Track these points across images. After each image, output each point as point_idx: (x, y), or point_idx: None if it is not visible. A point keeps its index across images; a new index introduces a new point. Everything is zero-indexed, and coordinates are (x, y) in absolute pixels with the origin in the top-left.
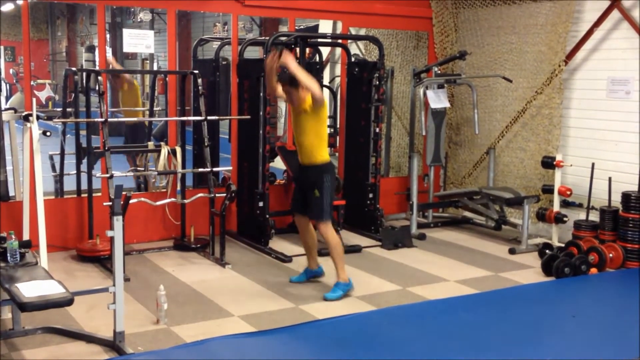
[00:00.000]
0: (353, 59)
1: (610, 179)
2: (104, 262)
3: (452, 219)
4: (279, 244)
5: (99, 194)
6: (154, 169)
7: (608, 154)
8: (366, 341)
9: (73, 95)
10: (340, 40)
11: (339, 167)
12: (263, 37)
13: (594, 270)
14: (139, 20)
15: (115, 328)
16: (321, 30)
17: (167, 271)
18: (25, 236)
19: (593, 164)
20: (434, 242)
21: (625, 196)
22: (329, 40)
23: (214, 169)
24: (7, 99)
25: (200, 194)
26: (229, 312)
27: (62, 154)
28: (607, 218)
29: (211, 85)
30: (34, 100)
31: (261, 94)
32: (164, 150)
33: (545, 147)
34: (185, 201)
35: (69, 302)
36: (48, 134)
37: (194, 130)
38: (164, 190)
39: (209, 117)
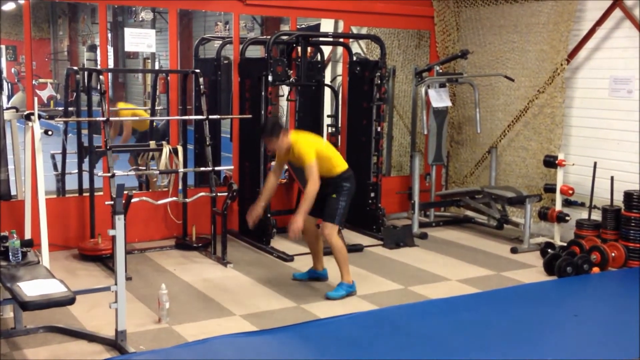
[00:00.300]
0: (355, 58)
1: (612, 178)
2: (106, 261)
3: (454, 218)
4: (280, 243)
5: (101, 193)
6: (155, 168)
7: (610, 153)
8: (368, 341)
9: (75, 94)
10: (341, 39)
11: None
12: (264, 36)
13: (596, 269)
14: (140, 19)
15: (117, 327)
16: (323, 29)
17: (169, 270)
18: (27, 235)
19: (595, 163)
20: (435, 242)
21: (628, 195)
22: (331, 39)
23: (216, 168)
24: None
25: (202, 193)
26: (230, 311)
27: (64, 153)
28: (609, 217)
29: (213, 85)
30: (36, 99)
31: (262, 93)
32: (166, 150)
33: (548, 146)
34: (187, 200)
35: (70, 301)
36: (50, 133)
37: (195, 129)
38: (166, 189)
39: (210, 117)
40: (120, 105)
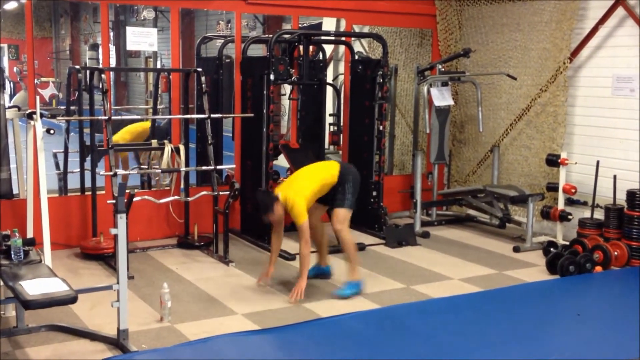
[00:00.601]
0: (357, 57)
1: (615, 176)
2: (108, 259)
3: (456, 217)
4: (283, 242)
5: (103, 192)
6: (157, 166)
7: (613, 152)
8: (370, 339)
9: (77, 93)
10: (343, 38)
11: None
12: (266, 35)
13: (598, 268)
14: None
15: (119, 326)
16: (325, 27)
17: (171, 269)
18: (29, 234)
19: (598, 162)
20: (437, 240)
21: (630, 194)
22: (333, 38)
23: (218, 167)
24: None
25: (204, 192)
26: (232, 310)
27: (66, 152)
28: (612, 216)
29: (214, 83)
30: (38, 98)
31: (264, 92)
32: (168, 148)
33: (550, 145)
34: (189, 199)
35: (72, 299)
36: (52, 131)
37: (197, 128)
38: (168, 188)
39: (212, 115)
40: (117, 137)
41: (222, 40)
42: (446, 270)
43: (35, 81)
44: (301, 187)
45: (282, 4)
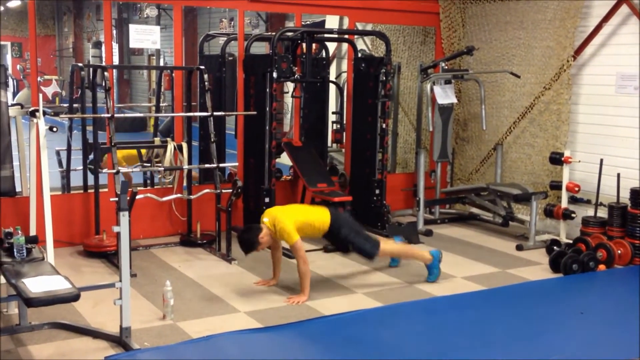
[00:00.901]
0: (360, 55)
1: (618, 175)
2: (111, 257)
3: (459, 215)
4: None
5: (106, 190)
6: (160, 164)
7: (617, 150)
8: (372, 338)
9: (80, 91)
10: (346, 36)
11: (346, 163)
12: (269, 33)
13: (602, 266)
14: (145, 16)
15: (121, 323)
16: (328, 25)
17: (174, 267)
18: (32, 232)
19: (601, 160)
20: (440, 239)
21: (634, 192)
22: (336, 36)
23: (220, 165)
24: (15, 94)
25: (207, 190)
26: (235, 308)
27: (69, 150)
28: (615, 214)
29: (217, 81)
30: (41, 96)
31: (267, 90)
32: (170, 146)
33: (554, 143)
34: (192, 197)
35: (75, 297)
36: (55, 129)
37: (200, 126)
38: (170, 186)
39: (215, 113)
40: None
41: (225, 38)
42: (449, 268)
43: (38, 79)
44: (290, 213)
45: (285, 1)
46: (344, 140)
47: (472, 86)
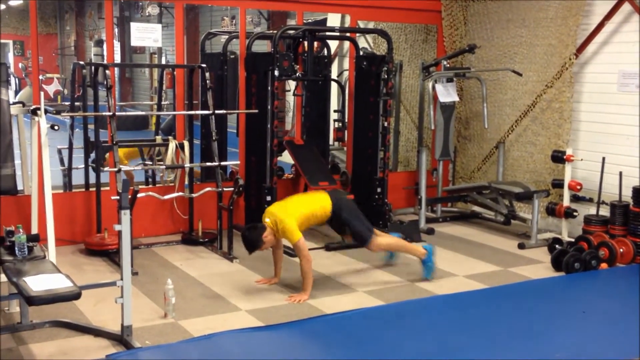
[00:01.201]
0: (361, 53)
1: (621, 173)
2: (112, 256)
3: (461, 213)
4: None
5: (107, 188)
6: (162, 163)
7: (619, 148)
8: (374, 336)
9: (81, 89)
10: (348, 34)
11: (347, 161)
12: (271, 31)
13: (604, 265)
14: (147, 14)
15: (122, 322)
16: (329, 23)
17: (175, 265)
18: (34, 230)
19: (604, 158)
20: (442, 237)
21: (636, 191)
22: (337, 34)
23: (222, 163)
24: (16, 93)
25: (208, 188)
26: (236, 306)
27: (71, 148)
28: (617, 213)
29: (219, 79)
30: (42, 94)
31: (269, 88)
32: (172, 145)
33: (556, 141)
34: (193, 195)
35: (76, 296)
36: (56, 127)
37: (201, 124)
38: (172, 184)
39: (216, 111)
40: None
41: (227, 36)
42: (450, 266)
43: (40, 77)
44: (291, 209)
45: None
46: (346, 139)
47: (474, 84)
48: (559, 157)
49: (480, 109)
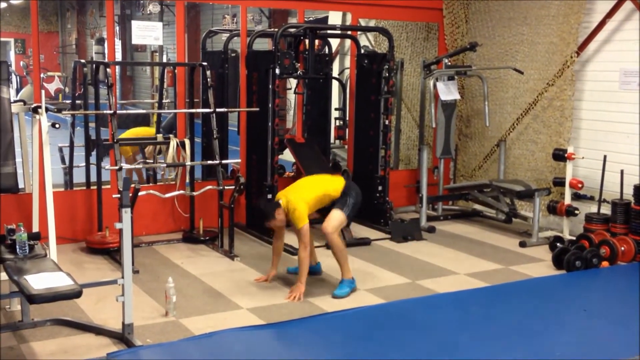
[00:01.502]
0: (362, 51)
1: (622, 171)
2: (113, 254)
3: (462, 211)
4: (287, 237)
5: (108, 186)
6: (163, 161)
7: (620, 146)
8: (375, 334)
9: (82, 87)
10: (349, 32)
11: (348, 159)
12: (272, 29)
13: (605, 263)
14: (148, 12)
15: (123, 320)
16: (330, 21)
17: (176, 263)
18: (35, 228)
19: (605, 157)
20: (443, 235)
21: (638, 189)
22: (339, 32)
23: (223, 162)
24: (18, 91)
25: (209, 187)
26: (237, 304)
27: (72, 146)
28: (618, 211)
29: (220, 78)
30: (43, 92)
31: (270, 86)
32: (173, 143)
33: (557, 140)
34: (194, 193)
35: (77, 294)
36: (57, 126)
37: (202, 122)
38: (173, 182)
39: (217, 110)
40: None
41: (228, 34)
42: (452, 265)
43: (41, 75)
44: (304, 193)
45: None
46: (347, 137)
47: (475, 82)
48: (560, 155)
49: (481, 107)
